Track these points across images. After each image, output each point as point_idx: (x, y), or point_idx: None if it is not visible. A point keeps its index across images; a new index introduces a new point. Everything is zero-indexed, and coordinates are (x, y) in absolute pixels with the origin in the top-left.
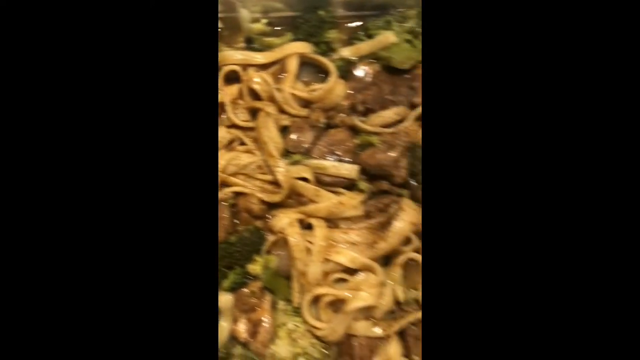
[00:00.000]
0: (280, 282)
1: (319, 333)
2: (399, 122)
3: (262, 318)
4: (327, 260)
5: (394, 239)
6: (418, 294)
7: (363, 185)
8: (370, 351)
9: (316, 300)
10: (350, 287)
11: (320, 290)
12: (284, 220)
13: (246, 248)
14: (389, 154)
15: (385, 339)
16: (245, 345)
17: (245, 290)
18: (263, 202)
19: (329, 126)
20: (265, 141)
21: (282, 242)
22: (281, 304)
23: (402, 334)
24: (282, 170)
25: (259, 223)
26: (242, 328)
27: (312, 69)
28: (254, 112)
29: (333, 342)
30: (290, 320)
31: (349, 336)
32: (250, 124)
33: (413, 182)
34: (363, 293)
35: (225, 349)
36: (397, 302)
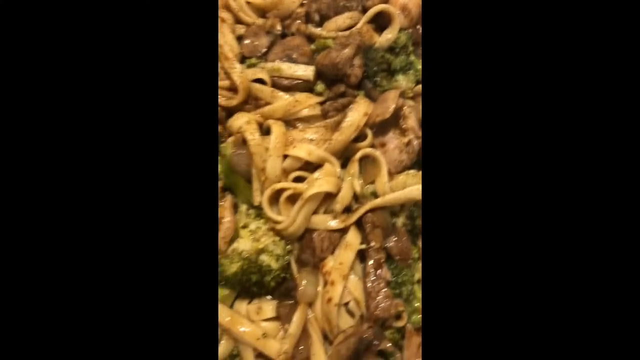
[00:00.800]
0: (240, 183)
1: (279, 227)
2: (353, 26)
3: (223, 215)
4: (285, 157)
5: (349, 130)
6: (374, 187)
7: (320, 87)
8: (331, 243)
9: (277, 197)
10: (308, 182)
11: (280, 185)
12: (242, 119)
13: None
14: (343, 52)
15: (344, 231)
16: None
17: None
18: (222, 107)
19: (284, 35)
20: (221, 45)
21: (241, 142)
22: (243, 207)
23: (359, 224)
24: (238, 71)
25: (218, 128)
26: None
27: None
28: None
29: (294, 238)
30: (252, 222)
31: (309, 231)
32: None
33: (368, 83)
34: (320, 180)
35: None
36: (355, 196)
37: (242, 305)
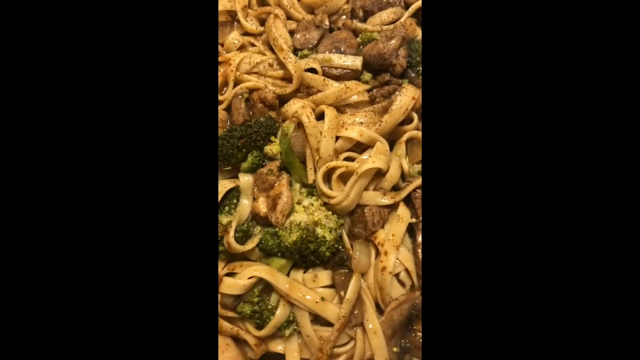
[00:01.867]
0: (295, 162)
1: (333, 202)
2: (396, 21)
3: (281, 191)
4: (337, 138)
5: (399, 112)
6: (419, 167)
7: (366, 76)
8: (381, 218)
9: (328, 176)
10: (359, 161)
11: (334, 164)
12: (297, 104)
13: (263, 130)
14: (389, 43)
15: (393, 207)
16: (265, 219)
17: (264, 170)
18: (276, 95)
19: (331, 30)
20: (276, 37)
21: (296, 126)
22: (297, 186)
23: (407, 201)
24: (293, 61)
25: (272, 114)
26: (261, 203)
27: None
28: (262, 22)
29: (345, 212)
30: (305, 199)
31: (359, 206)
32: (260, 29)
33: (411, 72)
34: (373, 158)
35: (247, 228)
36: (402, 175)
37: (298, 275)
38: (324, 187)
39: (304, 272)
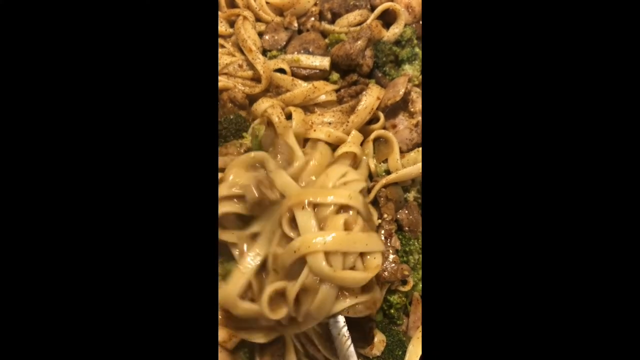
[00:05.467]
0: None
1: None
2: (363, 23)
3: None
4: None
5: (364, 112)
6: (386, 165)
7: (334, 76)
8: None
9: None
10: None
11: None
12: (266, 104)
13: (232, 126)
14: (356, 44)
15: None
16: None
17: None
18: (246, 95)
19: (300, 31)
20: (244, 39)
21: (265, 124)
22: None
23: (373, 201)
24: (262, 62)
25: (242, 113)
26: None
27: None
28: (232, 24)
29: None
30: None
31: None
32: (230, 31)
33: (378, 72)
34: (348, 143)
35: None
36: (370, 175)
37: None
38: None
39: None
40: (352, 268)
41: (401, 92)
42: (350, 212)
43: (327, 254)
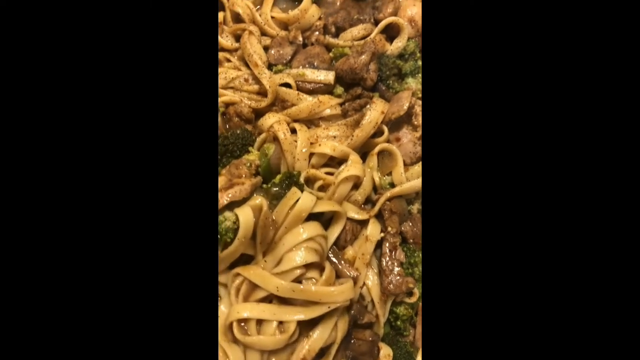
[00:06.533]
0: (273, 176)
1: None
2: (367, 36)
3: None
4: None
5: (369, 126)
6: (391, 178)
7: (339, 90)
8: (353, 234)
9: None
10: (336, 175)
11: (313, 172)
12: (272, 119)
13: (239, 141)
14: (360, 58)
15: (363, 223)
16: None
17: (243, 159)
18: (252, 109)
19: (305, 45)
20: (250, 53)
21: (271, 139)
22: None
23: (378, 214)
24: (267, 76)
25: (248, 127)
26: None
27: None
28: (237, 38)
29: None
30: None
31: None
32: (236, 45)
33: (382, 86)
34: (349, 167)
35: None
36: (374, 188)
37: None
38: None
39: None
40: None
41: (405, 107)
42: None
43: None
